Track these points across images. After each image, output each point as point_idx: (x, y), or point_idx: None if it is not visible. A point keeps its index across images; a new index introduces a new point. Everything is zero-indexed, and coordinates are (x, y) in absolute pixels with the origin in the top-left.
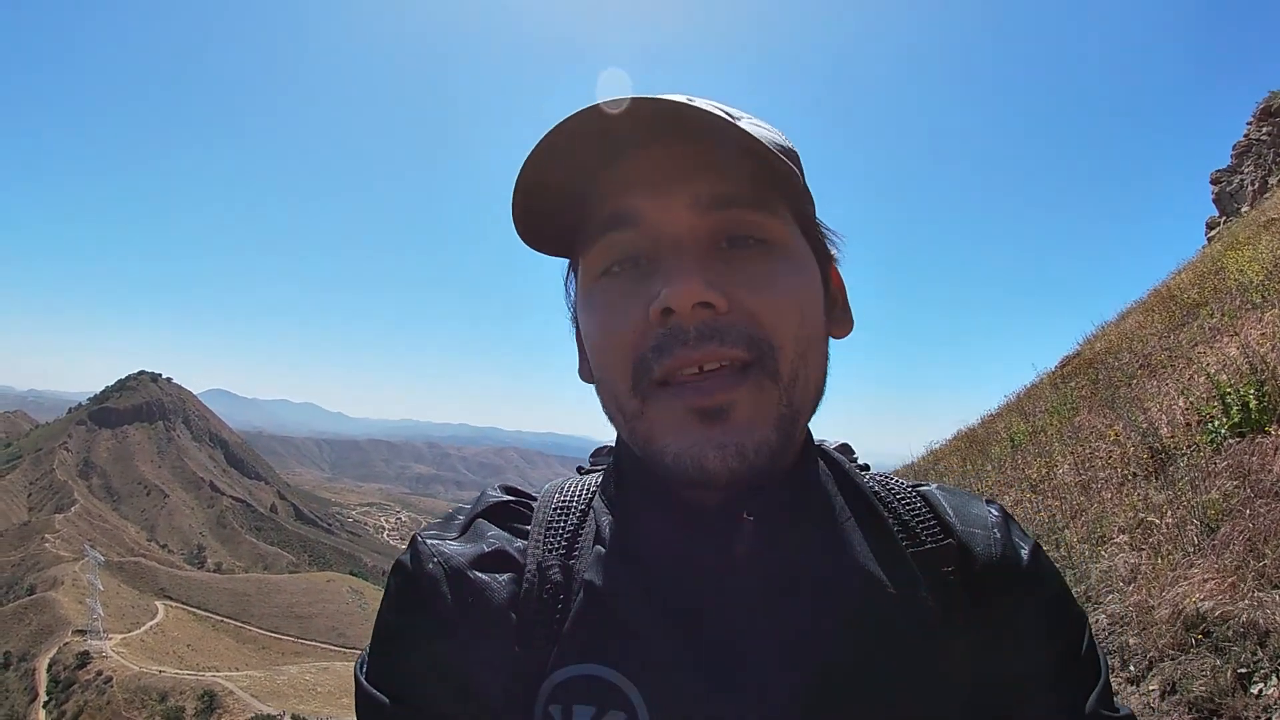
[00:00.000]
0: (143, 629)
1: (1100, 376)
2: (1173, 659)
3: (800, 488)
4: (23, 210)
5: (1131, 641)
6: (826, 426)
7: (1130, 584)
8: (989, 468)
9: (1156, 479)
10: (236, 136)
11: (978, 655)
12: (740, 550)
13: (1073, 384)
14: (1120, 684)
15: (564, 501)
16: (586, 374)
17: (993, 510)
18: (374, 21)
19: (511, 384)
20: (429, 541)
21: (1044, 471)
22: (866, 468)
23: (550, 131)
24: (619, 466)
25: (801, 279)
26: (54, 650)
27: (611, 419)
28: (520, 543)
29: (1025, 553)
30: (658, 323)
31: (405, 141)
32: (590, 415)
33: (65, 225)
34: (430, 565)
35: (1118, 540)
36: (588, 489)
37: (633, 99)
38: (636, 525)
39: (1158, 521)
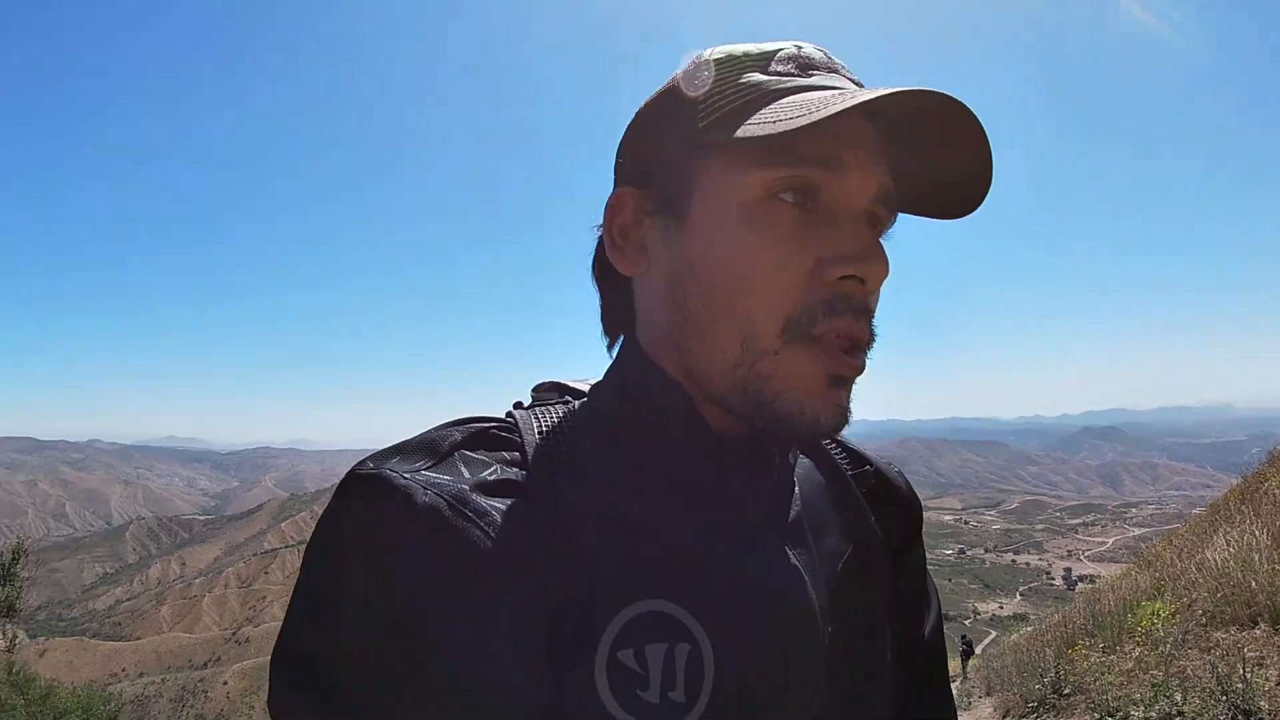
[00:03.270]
0: None
1: None
2: None
3: None
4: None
5: None
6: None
7: None
8: None
9: None
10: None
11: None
12: (770, 483)
13: None
14: None
15: (546, 429)
16: (637, 265)
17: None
18: None
19: (904, 371)
20: (404, 474)
21: None
22: None
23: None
24: (637, 394)
25: None
26: None
27: (706, 338)
28: (516, 471)
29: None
30: (831, 282)
31: None
32: (991, 394)
33: (389, 298)
34: (424, 497)
35: None
36: (561, 417)
37: (929, 93)
38: (661, 455)
39: None
